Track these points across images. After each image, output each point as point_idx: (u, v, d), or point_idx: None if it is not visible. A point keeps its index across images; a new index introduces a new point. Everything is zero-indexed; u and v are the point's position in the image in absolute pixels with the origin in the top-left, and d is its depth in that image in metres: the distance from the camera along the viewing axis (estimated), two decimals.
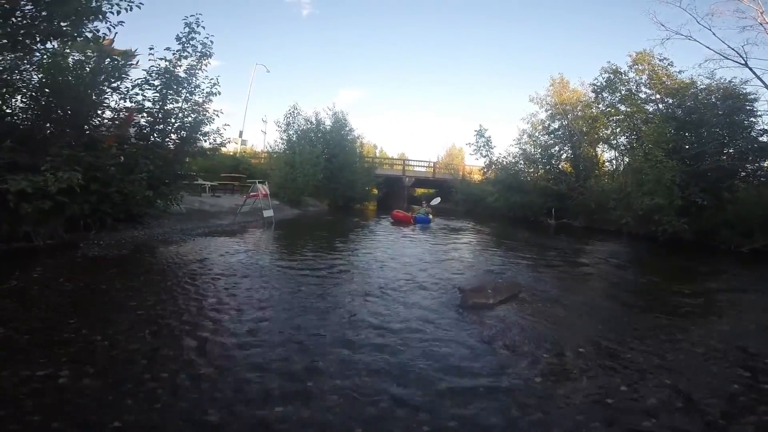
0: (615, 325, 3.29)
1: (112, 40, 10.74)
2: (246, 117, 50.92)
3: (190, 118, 7.27)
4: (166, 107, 6.94)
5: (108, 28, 5.74)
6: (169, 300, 3.38)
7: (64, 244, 5.33)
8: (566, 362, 2.52)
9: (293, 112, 16.08)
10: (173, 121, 7.16)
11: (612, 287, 4.74)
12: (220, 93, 7.56)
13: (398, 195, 29.09)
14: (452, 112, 77.32)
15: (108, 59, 6.24)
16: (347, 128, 18.69)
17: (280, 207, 13.52)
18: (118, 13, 5.52)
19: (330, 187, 17.06)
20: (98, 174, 5.65)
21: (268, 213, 8.92)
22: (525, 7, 62.77)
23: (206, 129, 7.54)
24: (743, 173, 11.21)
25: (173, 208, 7.40)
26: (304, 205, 15.24)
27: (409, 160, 32.90)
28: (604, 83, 14.98)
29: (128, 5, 5.50)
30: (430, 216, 11.91)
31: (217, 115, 7.69)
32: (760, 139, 10.91)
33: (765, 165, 11.22)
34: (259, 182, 9.05)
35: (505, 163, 18.58)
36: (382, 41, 73.27)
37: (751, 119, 11.04)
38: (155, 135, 6.84)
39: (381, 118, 77.54)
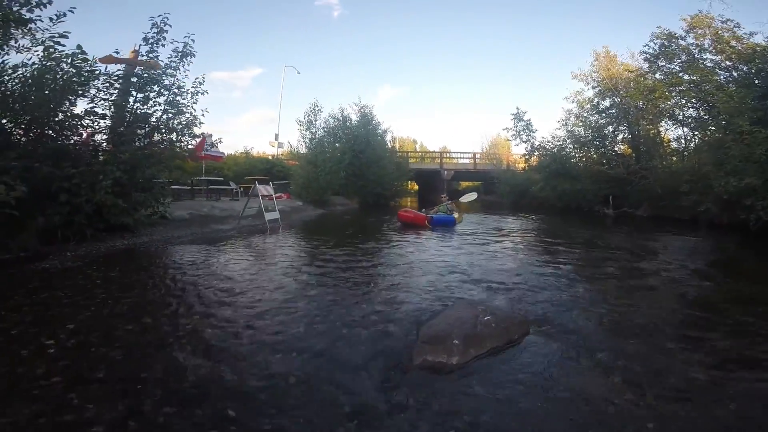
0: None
1: (137, 51, 10.59)
2: (281, 120, 52.05)
3: (164, 119, 6.81)
4: (134, 110, 6.47)
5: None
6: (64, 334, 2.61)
7: (36, 257, 4.94)
8: None
9: (314, 109, 15.42)
10: (144, 124, 6.67)
11: (703, 320, 2.73)
12: (206, 93, 7.17)
13: (437, 189, 27.69)
14: (497, 107, 73.81)
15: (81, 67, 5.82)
16: (374, 122, 17.71)
17: (302, 207, 12.95)
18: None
19: (358, 185, 16.22)
20: (65, 184, 5.27)
21: (271, 216, 8.20)
22: None
23: (196, 131, 7.13)
24: None
25: (159, 215, 6.90)
26: (330, 205, 14.53)
27: (447, 153, 31.33)
28: (658, 50, 12.76)
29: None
30: (455, 214, 9.10)
31: (202, 115, 7.22)
32: None
33: None
34: (259, 182, 8.36)
35: (549, 147, 16.55)
36: (419, 37, 71.75)
37: None
38: (122, 139, 6.29)
39: (422, 115, 76.16)
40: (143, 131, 6.70)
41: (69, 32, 5.52)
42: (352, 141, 16.33)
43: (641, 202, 12.86)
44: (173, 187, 11.62)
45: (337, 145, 16.82)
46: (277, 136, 25.71)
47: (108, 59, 6.64)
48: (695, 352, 2.18)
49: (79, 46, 5.73)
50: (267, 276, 4.09)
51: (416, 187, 39.77)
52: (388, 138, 20.37)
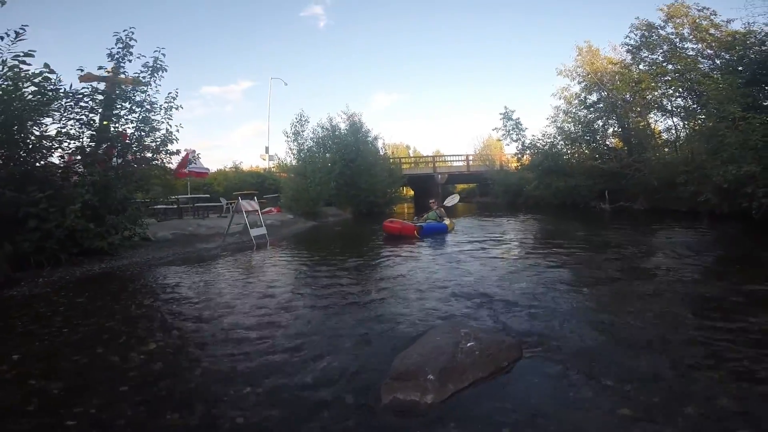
0: None
1: (119, 69, 10.26)
2: (270, 132, 51.61)
3: (137, 137, 6.59)
4: (102, 129, 6.21)
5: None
6: None
7: (6, 283, 4.65)
8: None
9: (300, 119, 15.18)
10: (117, 143, 6.42)
11: (722, 329, 2.37)
12: (180, 107, 6.95)
13: (432, 194, 27.51)
14: (489, 108, 74.18)
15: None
16: (364, 130, 17.51)
17: (293, 221, 12.64)
18: None
19: (350, 194, 15.96)
20: (32, 210, 5.03)
21: (257, 232, 7.89)
22: None
23: (171, 147, 6.88)
24: None
25: (138, 237, 6.61)
26: (322, 216, 14.23)
27: (440, 156, 31.22)
28: (639, 41, 12.76)
29: None
30: (446, 221, 8.39)
31: (177, 131, 6.96)
32: None
33: None
34: (246, 197, 8.08)
35: (540, 145, 16.39)
36: (407, 43, 72.12)
37: None
38: (89, 160, 6.02)
39: (415, 120, 76.35)
40: (116, 150, 6.43)
41: (34, 50, 5.30)
42: (342, 150, 16.10)
43: (637, 195, 12.66)
44: (159, 206, 11.39)
45: (327, 155, 16.59)
46: (267, 149, 25.49)
47: (87, 77, 6.41)
48: (718, 369, 1.88)
49: (46, 65, 5.54)
50: (241, 300, 3.76)
51: (412, 192, 39.69)
52: (380, 144, 20.18)
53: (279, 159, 15.58)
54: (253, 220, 8.21)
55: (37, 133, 5.77)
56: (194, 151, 11.63)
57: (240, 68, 72.49)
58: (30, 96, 5.35)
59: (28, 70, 5.32)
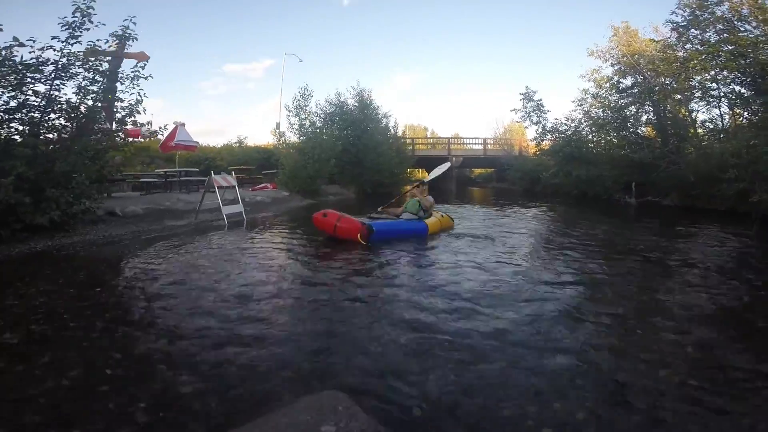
0: None
1: (123, 44, 9.93)
2: (282, 108, 50.76)
3: (97, 108, 6.08)
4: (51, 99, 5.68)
5: None
6: None
7: None
8: None
9: (304, 93, 14.20)
10: (62, 112, 5.88)
11: None
12: (149, 77, 6.58)
13: (446, 176, 26.36)
14: (510, 91, 71.04)
15: None
16: (373, 106, 16.45)
17: (287, 198, 11.94)
18: None
19: (355, 173, 15.11)
20: None
21: (231, 210, 7.15)
22: None
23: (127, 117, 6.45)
24: None
25: (92, 212, 6.04)
26: (321, 195, 13.49)
27: (456, 138, 29.79)
28: (687, 18, 11.06)
29: None
30: (434, 216, 5.83)
31: (139, 101, 6.50)
32: None
33: None
34: (215, 173, 7.33)
35: (563, 129, 14.99)
36: (429, 22, 69.35)
37: None
38: (33, 131, 5.47)
39: (434, 101, 74.25)
40: (70, 122, 5.95)
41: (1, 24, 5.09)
42: (348, 126, 15.16)
43: (669, 190, 11.32)
44: (147, 180, 10.83)
45: (336, 132, 15.70)
46: (278, 125, 24.67)
47: (92, 51, 6.08)
48: None
49: (15, 38, 5.29)
50: (169, 300, 3.01)
51: (427, 175, 38.45)
52: (392, 123, 19.09)
53: (279, 133, 14.73)
54: (227, 197, 7.50)
55: None
56: (183, 125, 10.97)
57: (263, 46, 71.70)
58: None
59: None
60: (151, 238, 5.81)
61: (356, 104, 16.03)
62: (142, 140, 16.79)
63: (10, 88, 5.38)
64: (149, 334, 2.38)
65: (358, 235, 4.77)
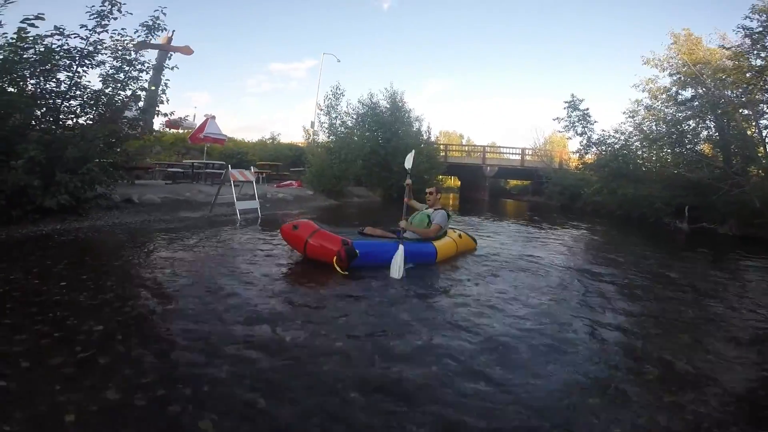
0: None
1: (170, 38, 10.44)
2: (317, 108, 51.46)
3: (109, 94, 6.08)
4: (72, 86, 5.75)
5: None
6: None
7: None
8: None
9: (335, 92, 14.00)
10: (83, 99, 5.94)
11: None
12: (175, 67, 6.73)
13: (479, 187, 25.50)
14: (553, 100, 68.45)
15: None
16: (404, 109, 16.03)
17: (310, 197, 11.75)
18: None
19: (382, 175, 14.74)
20: None
21: (246, 206, 6.94)
22: None
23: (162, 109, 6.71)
24: None
25: (104, 198, 6.03)
26: (346, 196, 13.22)
27: (492, 147, 28.78)
28: (764, 23, 9.79)
29: None
30: (449, 235, 4.62)
31: (163, 90, 6.69)
32: None
33: None
34: (233, 167, 7.17)
35: (611, 142, 13.86)
36: (467, 29, 68.48)
37: None
38: (41, 114, 5.53)
39: (472, 108, 73.06)
40: (90, 109, 6.05)
41: (43, 13, 5.22)
42: (377, 128, 14.83)
43: (727, 216, 10.06)
44: (174, 169, 10.99)
45: (367, 133, 15.43)
46: (313, 124, 24.91)
47: (141, 45, 6.31)
48: None
49: (57, 26, 5.45)
50: (151, 302, 2.71)
51: (459, 183, 37.55)
52: (424, 127, 18.58)
53: (307, 131, 14.63)
54: (243, 192, 7.32)
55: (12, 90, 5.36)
56: (214, 117, 11.06)
57: (306, 47, 73.77)
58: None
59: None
60: (159, 228, 5.68)
61: (388, 106, 15.66)
62: (181, 131, 17.35)
63: (41, 74, 5.46)
64: (87, 325, 2.05)
65: (334, 259, 3.48)
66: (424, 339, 2.26)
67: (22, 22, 5.14)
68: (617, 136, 13.81)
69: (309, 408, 1.56)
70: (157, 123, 7.32)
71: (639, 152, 13.65)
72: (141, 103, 6.50)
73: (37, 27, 5.28)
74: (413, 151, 4.97)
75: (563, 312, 2.90)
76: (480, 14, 69.50)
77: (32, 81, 5.45)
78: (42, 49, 5.26)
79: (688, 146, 12.52)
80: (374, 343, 2.19)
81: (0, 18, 5.15)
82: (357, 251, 3.54)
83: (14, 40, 5.15)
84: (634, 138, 13.63)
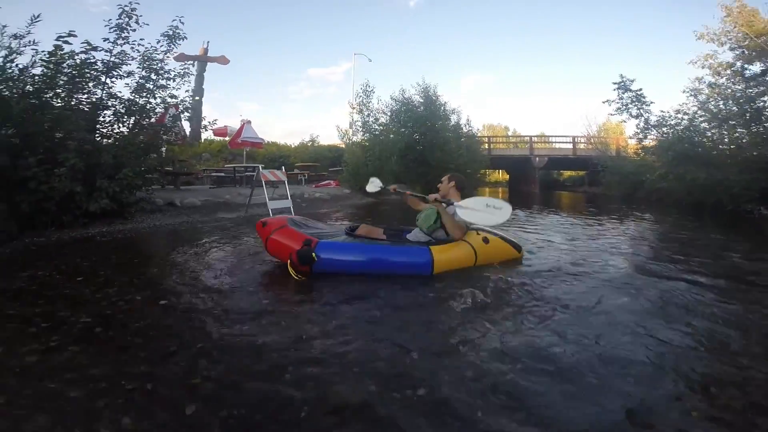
0: None
1: (206, 49, 11.05)
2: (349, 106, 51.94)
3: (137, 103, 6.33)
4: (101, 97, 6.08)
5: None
6: None
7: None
8: None
9: (366, 89, 13.89)
10: (119, 109, 6.28)
11: None
12: (192, 74, 6.99)
13: (529, 179, 24.23)
14: (603, 86, 63.53)
15: None
16: (438, 102, 15.57)
17: (347, 196, 11.77)
18: None
19: (419, 172, 14.43)
20: (28, 173, 4.95)
21: (278, 205, 6.99)
22: None
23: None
24: None
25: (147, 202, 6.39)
26: (384, 194, 13.03)
27: (540, 136, 27.22)
28: None
29: None
30: (466, 239, 3.31)
31: (189, 101, 6.89)
32: None
33: None
34: (263, 167, 7.23)
35: (672, 123, 12.41)
36: (501, 22, 65.66)
37: None
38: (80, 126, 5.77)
39: (515, 102, 70.15)
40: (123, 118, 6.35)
41: (74, 31, 5.56)
42: (411, 123, 14.54)
43: None
44: (218, 174, 11.50)
45: (403, 129, 15.21)
46: (351, 123, 25.21)
47: (180, 57, 6.75)
48: None
49: (88, 42, 5.79)
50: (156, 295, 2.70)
51: (507, 177, 36.06)
52: (463, 120, 17.96)
53: (343, 131, 14.68)
54: (275, 192, 7.40)
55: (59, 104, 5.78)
56: (249, 122, 11.42)
57: (341, 50, 75.51)
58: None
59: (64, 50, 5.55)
60: (196, 229, 5.86)
61: (421, 100, 15.30)
62: (227, 139, 18.25)
63: (75, 86, 5.83)
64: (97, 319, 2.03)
65: (288, 261, 2.88)
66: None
67: (56, 39, 5.51)
68: (679, 116, 12.35)
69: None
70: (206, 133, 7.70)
71: (708, 133, 12.09)
72: (171, 110, 6.75)
73: (71, 44, 5.63)
74: (375, 178, 4.26)
75: (629, 322, 2.25)
76: (510, 6, 66.52)
77: (68, 95, 5.81)
78: (75, 63, 5.59)
79: (766, 124, 10.85)
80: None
81: (33, 37, 5.51)
82: (315, 255, 2.84)
83: (51, 57, 5.49)
84: (701, 118, 12.10)
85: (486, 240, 3.34)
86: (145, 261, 3.93)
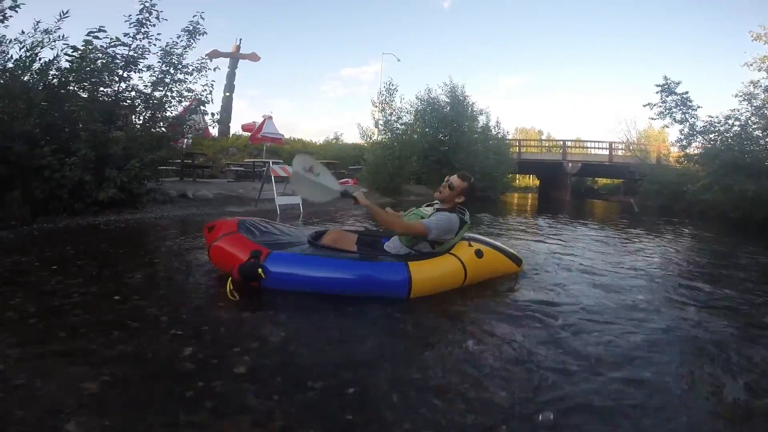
0: None
1: (238, 46, 11.28)
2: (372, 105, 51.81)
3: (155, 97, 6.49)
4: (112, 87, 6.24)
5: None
6: None
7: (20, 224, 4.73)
8: None
9: (389, 88, 13.63)
10: (134, 102, 6.45)
11: None
12: (211, 69, 6.88)
13: (560, 185, 23.21)
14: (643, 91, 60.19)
15: None
16: (465, 102, 15.10)
17: (368, 195, 11.58)
18: None
19: (442, 173, 14.03)
20: (43, 162, 5.13)
21: (287, 201, 6.89)
22: None
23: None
24: None
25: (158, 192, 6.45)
26: (401, 194, 12.81)
27: (573, 141, 26.02)
28: None
29: None
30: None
31: (207, 96, 6.89)
32: None
33: None
34: (274, 162, 7.15)
35: (722, 129, 11.35)
36: (539, 23, 63.62)
37: None
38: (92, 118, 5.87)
39: (552, 104, 67.93)
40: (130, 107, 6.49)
41: (104, 26, 5.81)
42: (436, 123, 14.18)
43: None
44: (237, 168, 11.63)
45: (427, 129, 14.89)
46: (376, 123, 25.14)
47: (213, 54, 6.86)
48: None
49: (116, 38, 6.02)
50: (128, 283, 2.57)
51: (537, 182, 34.87)
52: (492, 122, 17.37)
53: (363, 129, 14.52)
54: (284, 188, 7.31)
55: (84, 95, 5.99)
56: (271, 118, 11.47)
57: (374, 50, 76.00)
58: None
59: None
60: (201, 221, 5.84)
61: (448, 101, 14.88)
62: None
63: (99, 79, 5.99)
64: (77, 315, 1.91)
65: (230, 278, 2.33)
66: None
67: (87, 35, 5.76)
68: (730, 122, 11.28)
69: None
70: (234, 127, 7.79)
71: (762, 141, 10.98)
72: (184, 103, 6.80)
73: (100, 39, 5.82)
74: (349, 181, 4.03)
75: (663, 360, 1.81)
76: (540, 9, 64.39)
77: (93, 87, 5.98)
78: (101, 56, 5.73)
79: None
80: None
81: (63, 32, 5.68)
82: (262, 271, 2.32)
83: (82, 51, 5.70)
84: (754, 125, 11.00)
85: (479, 253, 2.76)
86: (131, 252, 3.84)
